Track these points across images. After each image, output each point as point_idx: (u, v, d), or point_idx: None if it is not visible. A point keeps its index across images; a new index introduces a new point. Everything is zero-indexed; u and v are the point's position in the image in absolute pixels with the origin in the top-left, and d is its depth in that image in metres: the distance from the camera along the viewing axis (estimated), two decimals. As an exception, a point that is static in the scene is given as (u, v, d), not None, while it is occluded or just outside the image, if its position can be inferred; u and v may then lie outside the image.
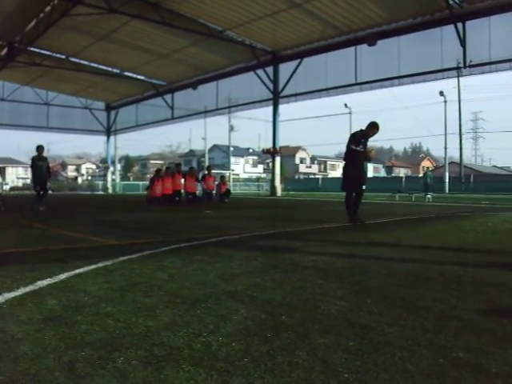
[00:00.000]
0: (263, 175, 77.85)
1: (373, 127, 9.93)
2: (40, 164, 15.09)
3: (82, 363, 2.18)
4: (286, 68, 31.16)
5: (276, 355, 2.29)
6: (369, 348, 2.39)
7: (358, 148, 9.72)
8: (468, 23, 23.55)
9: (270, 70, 31.83)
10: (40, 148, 15.33)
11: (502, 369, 2.14)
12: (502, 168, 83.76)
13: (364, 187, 10.03)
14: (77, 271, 4.31)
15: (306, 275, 4.20)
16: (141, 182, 59.37)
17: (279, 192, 33.18)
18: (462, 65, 24.15)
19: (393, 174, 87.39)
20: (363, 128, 9.97)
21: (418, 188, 31.76)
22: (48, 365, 2.16)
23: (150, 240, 6.96)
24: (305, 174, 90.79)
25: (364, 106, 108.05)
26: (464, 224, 10.49)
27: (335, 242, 7.05)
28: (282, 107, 32.78)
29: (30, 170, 16.62)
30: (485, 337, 2.57)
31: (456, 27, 23.45)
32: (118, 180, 57.37)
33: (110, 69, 35.60)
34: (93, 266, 4.56)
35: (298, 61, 30.29)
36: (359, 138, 9.84)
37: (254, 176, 75.94)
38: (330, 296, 3.44)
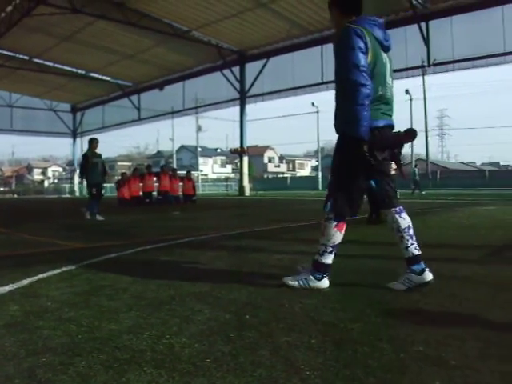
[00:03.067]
0: (232, 175, 77.72)
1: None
2: (95, 161, 12.34)
3: (42, 369, 2.15)
4: (252, 68, 31.20)
5: (239, 355, 2.29)
6: (331, 345, 2.41)
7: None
8: (431, 23, 24.01)
9: (236, 69, 31.83)
10: (93, 142, 12.55)
11: (461, 361, 2.18)
12: (467, 164, 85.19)
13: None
14: (40, 276, 4.25)
15: (271, 274, 4.22)
16: (108, 185, 58.73)
17: (248, 192, 33.20)
18: (426, 63, 24.55)
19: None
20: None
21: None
22: (8, 372, 2.14)
23: (116, 243, 6.89)
24: (273, 173, 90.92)
25: (331, 104, 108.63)
26: (430, 220, 10.66)
27: (301, 241, 7.08)
28: (249, 107, 32.84)
29: (79, 168, 14.01)
30: (445, 330, 2.62)
31: (420, 27, 23.87)
32: (85, 183, 56.69)
33: (74, 70, 35.07)
34: (57, 271, 4.50)
35: (264, 60, 30.35)
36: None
37: (223, 176, 75.78)
38: (294, 294, 3.45)
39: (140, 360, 2.25)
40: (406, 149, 51.25)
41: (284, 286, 3.72)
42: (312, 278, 3.66)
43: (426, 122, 50.28)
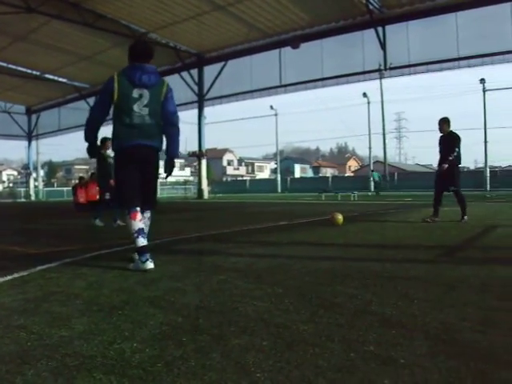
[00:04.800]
0: (191, 178, 77.38)
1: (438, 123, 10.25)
2: (111, 162, 10.32)
3: (-13, 379, 2.10)
4: (211, 70, 31.20)
5: (190, 359, 2.28)
6: (282, 346, 2.41)
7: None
8: (388, 27, 24.52)
9: (194, 72, 31.80)
10: (107, 141, 10.61)
11: (409, 359, 2.21)
12: (424, 166, 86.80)
13: (453, 188, 10.09)
14: (-10, 283, 4.15)
15: (226, 277, 4.20)
16: (65, 188, 57.79)
17: (206, 195, 33.15)
18: (383, 67, 25.00)
19: (320, 174, 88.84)
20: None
21: (344, 187, 32.48)
22: (-49, 384, 2.08)
23: (70, 248, 6.76)
24: (232, 176, 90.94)
25: (290, 107, 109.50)
26: (386, 221, 10.83)
27: (258, 243, 7.09)
28: (208, 109, 32.83)
29: (96, 168, 12.71)
30: (396, 330, 2.66)
31: (376, 31, 24.32)
32: (41, 187, 55.70)
33: (29, 71, 34.44)
34: (8, 277, 4.39)
35: (222, 63, 30.41)
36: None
37: (182, 179, 75.31)
38: (248, 297, 3.46)
39: (90, 366, 2.21)
40: (365, 151, 51.79)
41: (236, 288, 3.74)
42: (140, 262, 4.66)
43: (383, 125, 51.07)
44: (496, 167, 52.94)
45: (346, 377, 2.04)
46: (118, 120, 4.83)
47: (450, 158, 9.76)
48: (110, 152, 10.60)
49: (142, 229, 4.77)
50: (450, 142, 9.92)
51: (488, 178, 42.47)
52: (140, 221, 4.79)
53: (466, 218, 9.90)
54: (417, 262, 5.02)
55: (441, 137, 10.24)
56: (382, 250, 6.11)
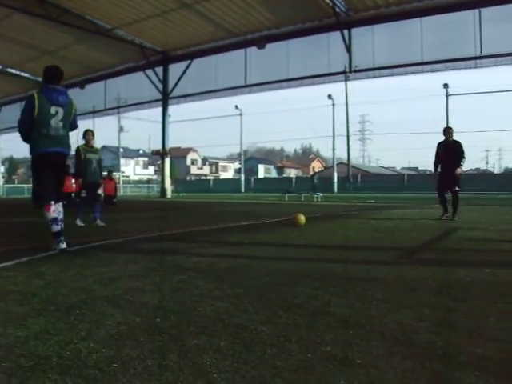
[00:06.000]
0: (154, 177, 76.78)
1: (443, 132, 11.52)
2: (89, 157, 10.26)
3: None
4: (176, 69, 31.00)
5: (146, 359, 2.25)
6: (240, 347, 2.41)
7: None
8: (353, 30, 24.77)
9: (159, 70, 31.56)
10: (87, 134, 10.43)
11: (366, 360, 2.24)
12: (387, 168, 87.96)
13: (457, 188, 11.26)
14: None
15: (186, 277, 4.18)
16: (26, 185, 56.66)
17: (169, 194, 32.94)
18: (348, 70, 25.22)
19: (284, 175, 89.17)
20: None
21: (308, 188, 32.67)
22: None
23: (29, 246, 6.62)
24: (196, 175, 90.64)
25: (255, 107, 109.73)
26: (348, 222, 10.92)
27: (220, 243, 7.07)
28: (173, 108, 32.64)
29: (71, 165, 12.33)
30: (353, 330, 2.68)
31: (342, 34, 24.52)
32: (1, 183, 54.51)
33: (-10, 65, 33.72)
34: (-38, 276, 4.29)
35: (188, 62, 30.25)
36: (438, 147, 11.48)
37: (145, 178, 74.73)
38: (207, 297, 3.44)
39: (45, 367, 2.17)
40: (329, 153, 52.22)
41: (196, 288, 3.72)
42: (56, 243, 5.96)
43: (347, 127, 51.70)
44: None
45: (303, 377, 2.04)
46: (37, 131, 5.87)
47: (462, 164, 11.20)
48: (94, 143, 10.61)
49: (56, 218, 5.97)
50: (459, 149, 11.18)
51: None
52: (53, 212, 5.96)
53: (455, 216, 11.02)
54: (377, 264, 5.08)
55: (444, 144, 11.36)
56: (344, 252, 6.17)
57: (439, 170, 11.50)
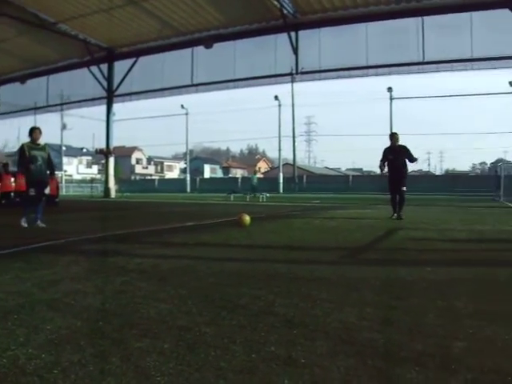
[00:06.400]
0: (98, 176, 75.46)
1: (390, 137, 12.31)
2: (34, 154, 9.70)
3: None
4: (121, 66, 30.51)
5: (88, 364, 2.20)
6: (184, 349, 2.38)
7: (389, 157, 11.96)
8: (301, 33, 25.03)
9: (104, 67, 30.98)
10: (34, 131, 9.86)
11: (310, 359, 2.25)
12: (333, 169, 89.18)
13: (404, 188, 12.04)
14: None
15: (129, 279, 4.12)
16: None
17: (113, 194, 32.43)
18: (294, 71, 25.43)
19: (230, 175, 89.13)
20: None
21: (257, 188, 32.78)
22: None
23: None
24: (141, 175, 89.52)
25: (202, 107, 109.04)
26: (293, 223, 11.00)
27: (164, 244, 7.00)
28: (118, 106, 32.15)
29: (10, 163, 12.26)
30: (297, 330, 2.70)
31: (289, 36, 24.71)
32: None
33: None
34: None
35: (134, 59, 29.81)
36: (386, 152, 12.11)
37: (88, 177, 73.32)
38: (151, 299, 3.39)
39: (-21, 375, 2.09)
40: (275, 153, 52.51)
41: (139, 290, 3.67)
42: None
43: (293, 128, 52.03)
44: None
45: (247, 378, 2.04)
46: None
47: (415, 164, 12.50)
48: (40, 141, 10.01)
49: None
50: (407, 152, 12.02)
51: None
52: None
53: (401, 215, 11.73)
54: (321, 264, 5.14)
55: (391, 148, 12.09)
56: (288, 252, 6.20)
57: (387, 172, 12.27)
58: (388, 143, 12.28)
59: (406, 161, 12.12)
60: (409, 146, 12.07)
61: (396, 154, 11.90)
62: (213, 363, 2.20)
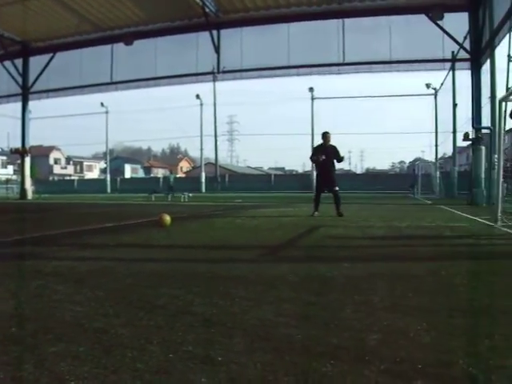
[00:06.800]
0: (14, 177, 72.66)
1: (322, 136, 12.45)
2: None
3: None
4: (38, 62, 29.44)
5: (-1, 371, 2.13)
6: (100, 352, 2.34)
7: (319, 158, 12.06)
8: (223, 32, 25.08)
9: (19, 62, 29.80)
10: None
11: (227, 356, 2.27)
12: (255, 168, 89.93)
13: (337, 188, 12.28)
14: None
15: (45, 282, 3.99)
16: None
17: (30, 195, 31.35)
18: (216, 70, 25.46)
19: (151, 175, 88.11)
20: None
21: (176, 188, 32.52)
22: None
23: None
24: (60, 175, 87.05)
25: (123, 105, 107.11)
26: (214, 222, 11.02)
27: (83, 246, 6.83)
28: (34, 104, 31.07)
29: None
30: (215, 329, 2.71)
31: (211, 34, 24.69)
32: None
33: None
34: None
35: (51, 54, 28.86)
36: (318, 150, 12.33)
37: (4, 178, 70.48)
38: (67, 302, 3.31)
39: None
40: (197, 153, 52.41)
41: (55, 293, 3.57)
42: None
43: (215, 127, 52.08)
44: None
45: (164, 378, 2.03)
46: None
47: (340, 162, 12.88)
48: None
49: None
50: (336, 152, 12.31)
51: (315, 181, 44.91)
52: None
53: (341, 212, 12.02)
54: (240, 262, 5.19)
55: (323, 147, 12.31)
56: (208, 251, 6.23)
57: (315, 171, 12.78)
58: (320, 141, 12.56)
59: (334, 161, 12.42)
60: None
61: (326, 153, 12.12)
62: (129, 365, 2.18)
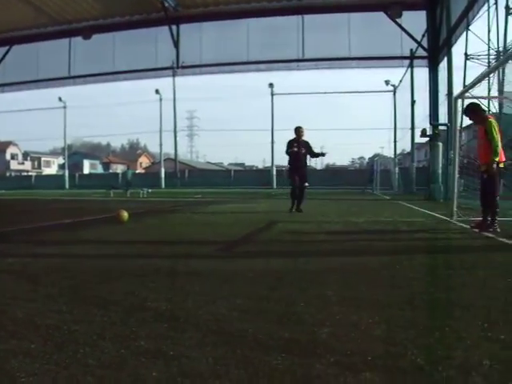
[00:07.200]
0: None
1: (295, 131, 12.34)
2: None
3: None
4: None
5: None
6: (51, 348, 2.34)
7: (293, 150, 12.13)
8: (182, 27, 24.90)
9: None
10: None
11: (179, 351, 2.30)
12: (215, 164, 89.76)
13: (307, 184, 12.44)
14: None
15: (-2, 280, 3.95)
16: None
17: (-15, 191, 30.68)
18: (175, 65, 25.32)
19: (110, 171, 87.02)
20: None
21: (135, 184, 32.24)
22: None
23: None
24: (17, 171, 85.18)
25: (81, 100, 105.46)
26: (173, 218, 11.00)
27: (39, 243, 6.74)
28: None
29: None
30: (168, 324, 2.73)
31: (171, 29, 24.53)
32: None
33: None
34: None
35: (7, 48, 28.21)
36: (292, 143, 12.21)
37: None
38: (20, 299, 3.27)
39: None
40: (157, 148, 52.06)
41: (8, 291, 3.52)
42: None
43: (175, 122, 51.76)
44: (282, 166, 56.60)
45: (115, 373, 2.05)
46: None
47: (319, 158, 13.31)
48: None
49: None
50: (309, 147, 12.43)
51: (274, 177, 45.21)
52: None
53: (301, 208, 12.03)
54: (197, 258, 5.23)
55: (296, 141, 12.23)
56: (165, 247, 6.24)
57: (288, 166, 12.56)
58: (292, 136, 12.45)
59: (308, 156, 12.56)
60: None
61: (299, 148, 12.16)
62: (81, 360, 2.19)
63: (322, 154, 13.06)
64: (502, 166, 7.78)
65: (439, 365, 2.12)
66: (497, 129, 7.52)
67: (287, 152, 12.30)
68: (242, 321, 2.78)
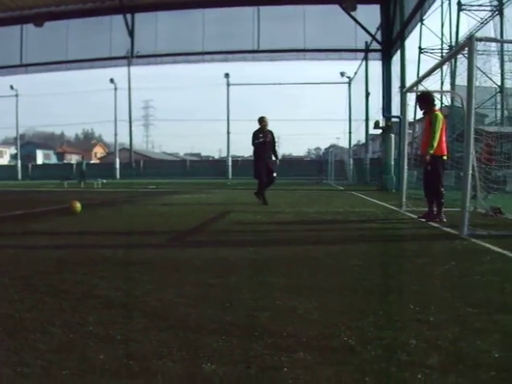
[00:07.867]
0: None
1: (259, 121, 12.11)
2: None
3: None
4: None
5: None
6: (2, 335, 2.43)
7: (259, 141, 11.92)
8: (137, 16, 24.64)
9: None
10: None
11: (126, 335, 2.43)
12: (171, 154, 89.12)
13: (275, 174, 12.41)
14: None
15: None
16: None
17: None
18: (130, 55, 25.09)
19: (64, 161, 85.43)
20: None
21: (90, 174, 31.88)
22: None
23: None
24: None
25: (34, 88, 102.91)
26: (127, 208, 11.02)
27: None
28: None
29: None
30: (116, 310, 2.87)
31: (125, 18, 24.26)
32: None
33: None
34: None
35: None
36: (258, 134, 11.99)
37: None
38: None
39: None
40: (112, 138, 51.42)
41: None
42: None
43: (130, 112, 51.21)
44: (238, 157, 56.74)
45: (64, 356, 2.16)
46: None
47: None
48: None
49: None
50: (274, 137, 12.43)
51: (230, 167, 45.33)
52: None
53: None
54: (147, 247, 5.35)
55: (261, 132, 12.06)
56: (117, 237, 6.32)
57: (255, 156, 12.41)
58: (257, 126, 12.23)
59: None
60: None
61: (265, 138, 12.02)
62: (31, 346, 2.29)
63: (277, 158, 12.85)
64: (445, 158, 8.09)
65: (369, 344, 2.29)
66: (441, 123, 7.77)
67: (253, 143, 12.10)
68: (188, 306, 2.93)
